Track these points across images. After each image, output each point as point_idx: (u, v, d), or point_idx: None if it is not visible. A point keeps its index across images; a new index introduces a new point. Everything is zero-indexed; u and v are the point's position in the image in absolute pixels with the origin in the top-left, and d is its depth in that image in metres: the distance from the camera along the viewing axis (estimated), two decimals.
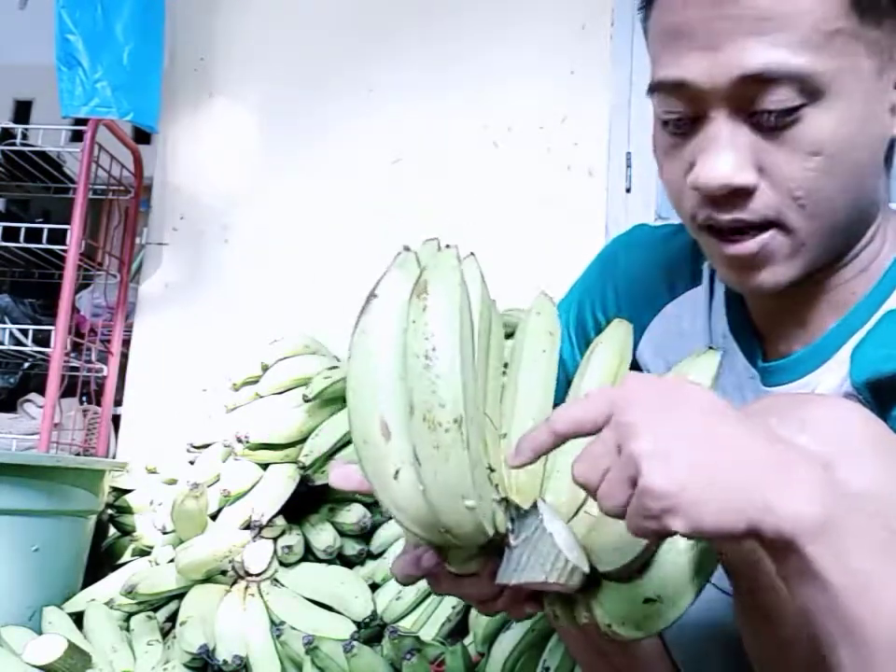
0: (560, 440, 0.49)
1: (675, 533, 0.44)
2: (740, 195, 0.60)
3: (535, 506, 0.54)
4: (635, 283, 0.80)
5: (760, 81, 0.57)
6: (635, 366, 0.80)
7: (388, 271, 0.53)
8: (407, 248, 0.55)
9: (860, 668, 0.42)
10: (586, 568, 0.51)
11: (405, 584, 0.60)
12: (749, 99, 0.58)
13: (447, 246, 0.54)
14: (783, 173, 0.59)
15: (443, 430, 0.48)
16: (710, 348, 0.61)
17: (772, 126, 0.58)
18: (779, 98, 0.57)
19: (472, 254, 0.62)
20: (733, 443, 0.45)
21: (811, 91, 0.57)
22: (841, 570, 0.42)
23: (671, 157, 0.64)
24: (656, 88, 0.62)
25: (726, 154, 0.59)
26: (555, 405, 0.57)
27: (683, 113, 0.61)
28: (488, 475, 0.54)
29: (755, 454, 0.45)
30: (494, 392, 0.62)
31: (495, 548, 0.53)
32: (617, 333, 0.68)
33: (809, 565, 0.42)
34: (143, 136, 2.17)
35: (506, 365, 0.65)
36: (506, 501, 0.54)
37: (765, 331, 0.71)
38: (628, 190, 1.84)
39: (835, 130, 0.58)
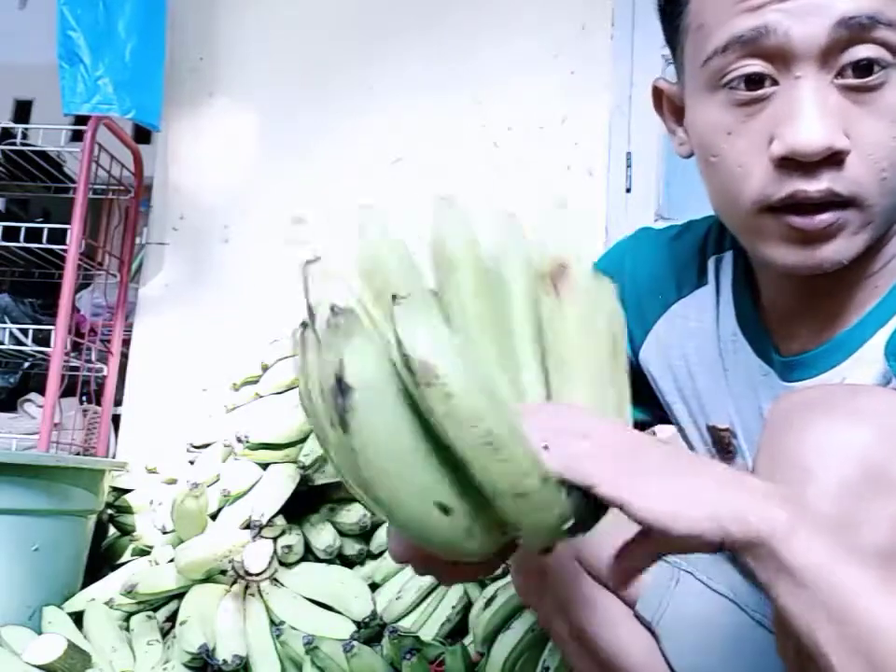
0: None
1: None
2: (831, 163, 0.56)
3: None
4: (641, 285, 0.79)
5: (857, 28, 0.54)
6: (637, 367, 0.79)
7: (349, 345, 0.46)
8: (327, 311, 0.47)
9: (849, 652, 0.41)
10: None
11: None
12: (841, 52, 0.55)
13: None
14: (870, 140, 0.56)
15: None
16: None
17: (859, 86, 0.55)
18: (873, 51, 0.54)
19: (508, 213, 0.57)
20: (697, 471, 0.46)
21: None
22: (814, 561, 0.42)
23: (737, 134, 0.59)
24: (728, 47, 0.57)
25: (821, 116, 0.55)
26: None
27: (762, 74, 0.57)
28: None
29: (718, 477, 0.46)
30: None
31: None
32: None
33: (783, 560, 0.43)
34: (143, 136, 2.18)
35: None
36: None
37: (779, 329, 0.69)
38: (628, 190, 1.85)
39: None
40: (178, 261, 1.96)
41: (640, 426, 0.80)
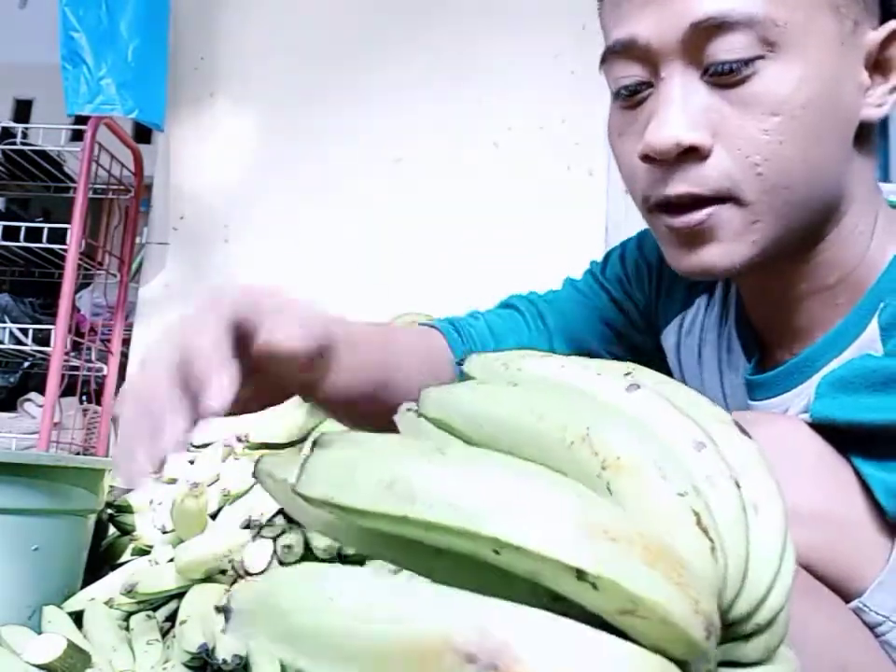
0: None
1: None
2: (692, 161, 0.54)
3: None
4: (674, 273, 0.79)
5: (712, 28, 0.53)
6: (658, 348, 0.80)
7: None
8: None
9: None
10: None
11: None
12: (702, 51, 0.54)
13: None
14: (739, 135, 0.54)
15: None
16: None
17: (727, 82, 0.54)
18: (734, 46, 0.53)
19: None
20: None
21: (768, 41, 0.52)
22: None
23: (624, 136, 0.61)
24: (607, 55, 0.59)
25: (677, 112, 0.54)
26: None
27: (635, 78, 0.57)
28: None
29: None
30: None
31: None
32: None
33: None
34: (143, 136, 2.18)
35: None
36: None
37: (763, 334, 0.67)
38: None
39: (796, 88, 0.53)
40: (179, 261, 1.96)
41: None
